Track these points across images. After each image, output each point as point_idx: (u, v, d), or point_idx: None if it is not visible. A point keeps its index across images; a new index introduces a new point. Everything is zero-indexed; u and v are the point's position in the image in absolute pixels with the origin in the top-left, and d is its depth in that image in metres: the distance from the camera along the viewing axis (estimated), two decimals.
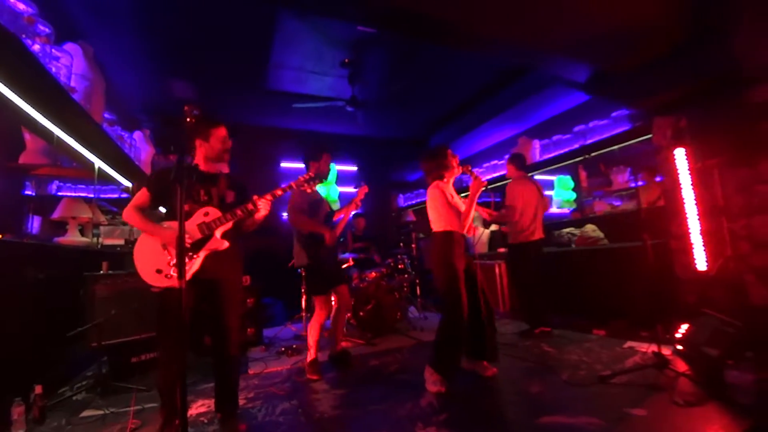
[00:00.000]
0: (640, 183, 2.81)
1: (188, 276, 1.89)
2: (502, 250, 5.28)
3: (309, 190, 2.18)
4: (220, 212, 1.97)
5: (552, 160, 5.55)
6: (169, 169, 2.14)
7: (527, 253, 3.78)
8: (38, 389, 2.26)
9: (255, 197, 2.01)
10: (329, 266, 3.01)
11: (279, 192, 2.08)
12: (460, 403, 2.26)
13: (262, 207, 2.01)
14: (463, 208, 2.66)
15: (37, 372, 2.51)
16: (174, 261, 1.89)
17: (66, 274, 3.00)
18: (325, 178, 3.28)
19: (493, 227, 6.06)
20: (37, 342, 2.63)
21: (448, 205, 2.63)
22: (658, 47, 3.03)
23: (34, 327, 2.60)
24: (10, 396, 2.12)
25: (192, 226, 1.93)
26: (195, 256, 1.92)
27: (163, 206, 2.07)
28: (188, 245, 1.89)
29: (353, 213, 3.43)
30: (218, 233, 1.97)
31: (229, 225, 2.00)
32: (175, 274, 1.87)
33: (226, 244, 1.98)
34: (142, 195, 1.99)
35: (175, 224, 1.92)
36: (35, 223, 4.09)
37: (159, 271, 1.89)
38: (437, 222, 2.67)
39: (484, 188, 2.63)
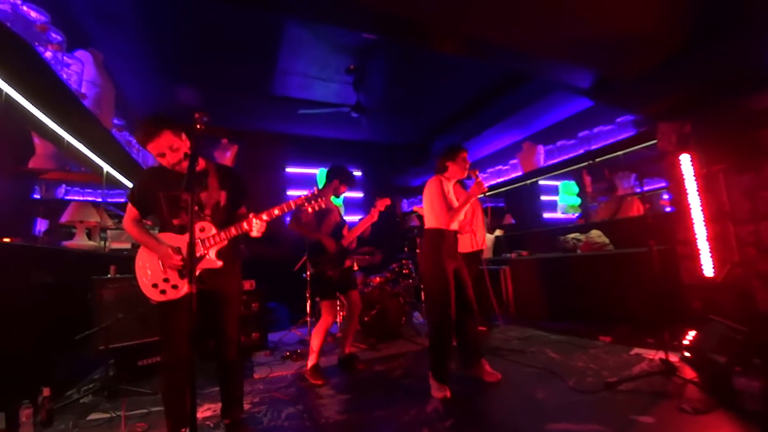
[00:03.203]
0: (645, 188, 2.81)
1: (185, 293, 1.87)
2: (513, 255, 5.28)
3: (310, 210, 2.03)
4: (215, 228, 1.91)
5: (556, 165, 5.56)
6: (146, 173, 2.06)
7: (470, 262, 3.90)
8: (46, 392, 2.28)
9: (252, 215, 1.93)
10: (334, 273, 3.03)
11: (276, 212, 1.95)
12: (466, 409, 2.25)
13: (256, 228, 1.92)
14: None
15: (45, 375, 2.53)
16: (166, 278, 1.88)
17: (74, 277, 3.03)
18: (336, 196, 3.32)
19: (498, 232, 6.06)
20: (45, 345, 2.65)
21: (442, 199, 2.58)
22: (661, 53, 3.04)
23: (42, 330, 2.62)
24: (18, 398, 2.14)
25: (185, 242, 1.83)
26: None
27: (153, 215, 1.99)
28: (181, 266, 1.86)
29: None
30: (212, 253, 1.91)
31: (224, 243, 1.94)
32: (168, 291, 1.86)
33: (219, 263, 1.93)
34: (131, 209, 1.96)
35: (167, 237, 1.90)
36: (43, 227, 4.13)
37: (155, 286, 1.87)
38: (429, 218, 2.66)
39: (482, 194, 2.66)
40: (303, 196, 2.01)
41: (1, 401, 2.03)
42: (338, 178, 3.20)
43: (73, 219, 3.74)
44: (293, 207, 1.98)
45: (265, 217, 1.93)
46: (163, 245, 1.88)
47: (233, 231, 1.91)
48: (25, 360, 2.41)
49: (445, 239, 2.60)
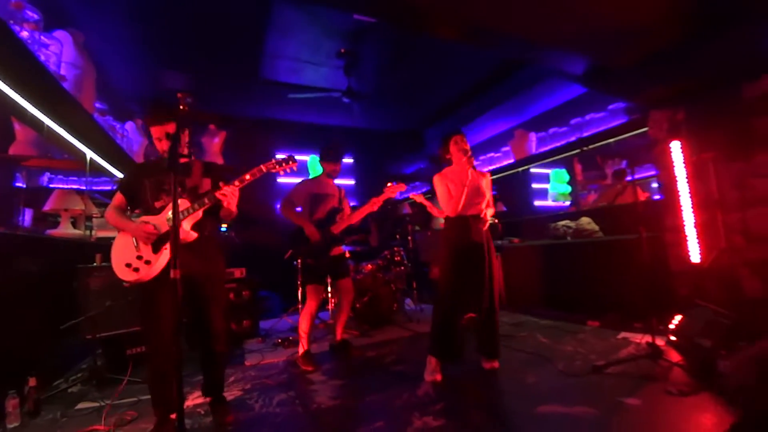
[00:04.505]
0: (637, 176, 2.82)
1: (158, 271, 1.88)
2: (504, 242, 5.30)
3: (282, 173, 2.05)
4: (189, 203, 1.93)
5: (548, 152, 5.56)
6: (136, 166, 2.15)
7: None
8: (32, 382, 2.25)
9: (221, 184, 1.94)
10: (317, 259, 2.99)
11: (247, 177, 1.95)
12: (457, 392, 2.28)
13: (229, 194, 1.92)
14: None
15: (31, 364, 2.48)
16: (139, 254, 1.89)
17: (59, 266, 2.96)
18: (332, 177, 3.23)
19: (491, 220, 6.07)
20: (31, 334, 2.60)
21: (445, 191, 2.64)
22: (655, 42, 3.03)
23: (28, 319, 2.57)
24: (4, 389, 2.11)
25: (161, 220, 1.93)
26: (163, 248, 1.89)
27: (138, 202, 2.04)
28: (154, 239, 1.89)
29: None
30: (186, 224, 1.94)
31: (199, 215, 1.96)
32: (141, 268, 1.87)
33: (193, 234, 1.94)
34: (118, 197, 2.02)
35: (145, 218, 1.94)
36: (27, 216, 4.02)
37: (128, 265, 1.89)
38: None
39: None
40: (274, 160, 2.02)
41: None
42: (328, 159, 3.13)
43: (57, 207, 3.64)
44: (264, 171, 2.00)
45: (237, 183, 1.94)
46: (136, 222, 1.93)
47: (206, 201, 1.92)
48: (10, 350, 2.36)
49: (452, 226, 2.62)
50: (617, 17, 2.75)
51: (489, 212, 2.70)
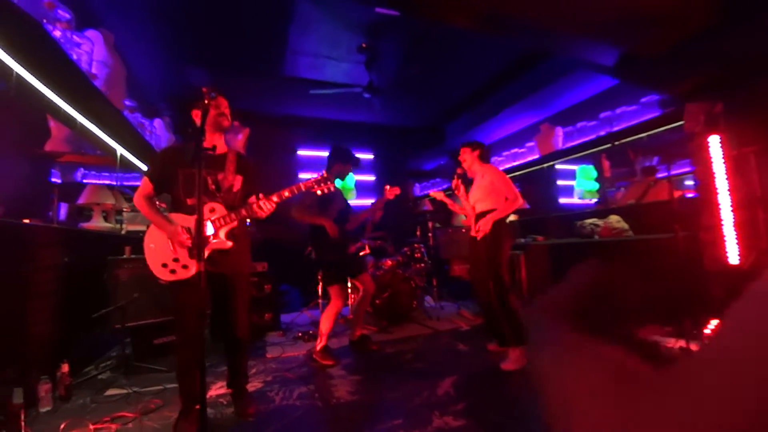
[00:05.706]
0: (672, 172, 2.68)
1: (193, 273, 1.88)
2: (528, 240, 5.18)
3: (319, 192, 2.05)
4: (225, 210, 1.93)
5: (575, 148, 5.37)
6: (167, 149, 2.12)
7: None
8: (64, 368, 2.34)
9: (261, 196, 1.96)
10: (339, 257, 2.99)
11: (286, 193, 1.98)
12: (477, 392, 2.23)
13: (266, 209, 1.94)
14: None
15: (63, 351, 2.59)
16: (176, 257, 1.89)
17: (91, 258, 3.08)
18: (341, 179, 3.23)
19: (512, 217, 5.94)
20: (64, 322, 2.71)
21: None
22: (690, 28, 2.85)
23: (61, 308, 2.68)
24: (37, 374, 2.21)
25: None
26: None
27: (167, 193, 2.01)
28: (190, 245, 1.88)
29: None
30: (222, 233, 1.94)
31: (234, 224, 1.97)
32: (179, 271, 1.89)
33: (229, 244, 1.95)
34: (146, 184, 1.97)
35: (178, 217, 1.92)
36: (62, 209, 4.20)
37: (164, 266, 1.90)
38: None
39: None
40: (312, 179, 2.04)
41: (19, 376, 2.08)
42: (339, 161, 3.10)
43: (90, 201, 3.79)
44: (303, 189, 2.01)
45: (275, 198, 1.96)
46: (172, 224, 1.90)
47: (243, 212, 1.94)
48: (43, 337, 2.47)
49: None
50: (643, 1, 2.60)
51: (480, 206, 2.83)
